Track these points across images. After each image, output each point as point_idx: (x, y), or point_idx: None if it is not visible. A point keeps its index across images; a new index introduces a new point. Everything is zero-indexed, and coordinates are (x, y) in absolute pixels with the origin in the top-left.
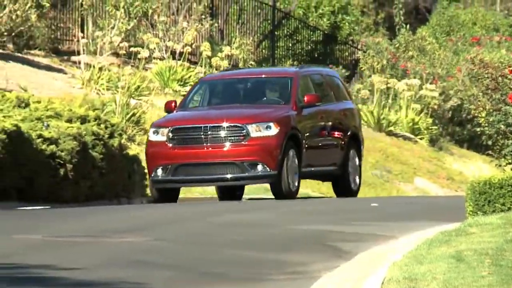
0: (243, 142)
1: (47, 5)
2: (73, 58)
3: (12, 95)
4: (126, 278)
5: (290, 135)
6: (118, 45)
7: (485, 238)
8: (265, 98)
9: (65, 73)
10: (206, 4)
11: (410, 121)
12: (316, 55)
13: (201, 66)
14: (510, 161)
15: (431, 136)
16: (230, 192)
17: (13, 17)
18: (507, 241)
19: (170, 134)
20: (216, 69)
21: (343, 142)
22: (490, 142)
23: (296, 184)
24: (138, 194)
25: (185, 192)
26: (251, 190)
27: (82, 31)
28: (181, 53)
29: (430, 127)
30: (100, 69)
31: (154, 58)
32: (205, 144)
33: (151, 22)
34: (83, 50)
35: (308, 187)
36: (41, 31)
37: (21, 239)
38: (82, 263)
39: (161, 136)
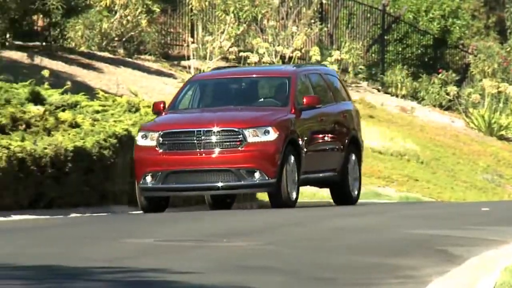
0: (239, 148)
1: (158, 10)
2: (183, 63)
3: (123, 99)
4: (237, 283)
5: (289, 140)
6: (228, 49)
7: None
8: (261, 100)
9: (175, 78)
10: (315, 8)
11: None
12: (426, 60)
13: None
14: None
15: None
16: (223, 200)
17: (124, 22)
18: None
19: (161, 139)
20: None
21: (343, 146)
22: None
23: (295, 192)
24: (247, 199)
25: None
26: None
27: (192, 36)
28: (290, 58)
29: None
30: None
31: (264, 62)
32: (198, 150)
33: (261, 26)
34: (193, 55)
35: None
36: (152, 36)
37: (133, 243)
38: (193, 267)
39: (150, 140)
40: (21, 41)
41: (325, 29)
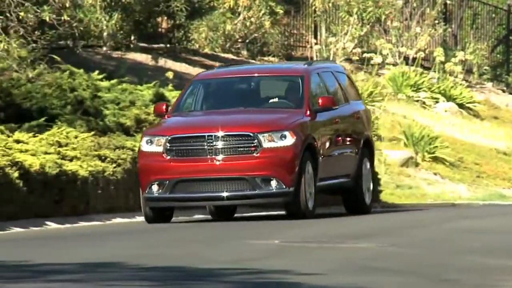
0: (254, 154)
1: (281, 12)
2: None
3: None
4: (361, 284)
5: (306, 145)
6: (351, 51)
7: None
8: (271, 101)
9: None
10: (439, 9)
11: None
12: None
13: (434, 72)
14: None
15: None
16: (228, 208)
17: (247, 24)
18: None
19: (168, 144)
20: (450, 75)
21: (357, 150)
22: None
23: (313, 201)
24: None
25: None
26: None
27: (315, 37)
28: (414, 59)
29: None
30: None
31: (387, 63)
32: (209, 156)
33: (384, 27)
34: (316, 56)
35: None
36: (275, 37)
37: (258, 244)
38: (318, 269)
39: (156, 146)
40: (146, 43)
41: (449, 29)
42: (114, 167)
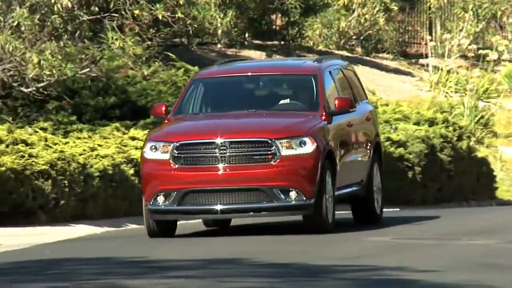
0: (272, 162)
1: (395, 8)
2: (421, 61)
3: None
4: (479, 281)
5: (327, 153)
6: (467, 47)
7: None
8: (282, 102)
9: (413, 76)
10: None
11: None
12: None
13: None
14: None
15: None
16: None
17: (362, 21)
18: None
19: (176, 151)
20: None
21: (368, 155)
22: None
23: (332, 213)
24: (486, 197)
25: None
26: None
27: (430, 34)
28: None
29: None
30: (448, 71)
31: (503, 60)
32: (222, 165)
33: (500, 24)
34: (431, 53)
35: None
36: (389, 34)
37: (370, 242)
38: (433, 265)
39: (162, 153)
40: (260, 40)
41: None
42: None
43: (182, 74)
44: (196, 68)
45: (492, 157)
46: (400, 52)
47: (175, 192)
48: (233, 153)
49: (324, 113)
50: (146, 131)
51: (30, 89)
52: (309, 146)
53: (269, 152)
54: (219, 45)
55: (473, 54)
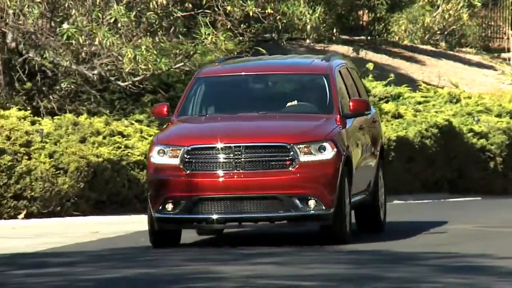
0: (290, 169)
1: (479, 4)
2: (503, 55)
3: (444, 91)
4: None
5: (345, 159)
6: None
7: None
8: (290, 104)
9: (495, 70)
10: None
11: None
12: None
13: None
14: None
15: None
16: None
17: (446, 16)
18: None
19: (186, 156)
20: None
21: (375, 160)
22: None
23: (349, 222)
24: None
25: None
26: None
27: None
28: None
29: None
30: None
31: None
32: (236, 171)
33: None
34: None
35: None
36: (472, 29)
37: (454, 229)
38: None
39: (171, 158)
40: (347, 35)
41: None
42: None
43: None
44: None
45: None
46: (482, 47)
47: (186, 199)
48: (249, 159)
49: (339, 116)
50: None
51: (126, 83)
52: (329, 152)
53: (287, 158)
54: (307, 40)
55: None
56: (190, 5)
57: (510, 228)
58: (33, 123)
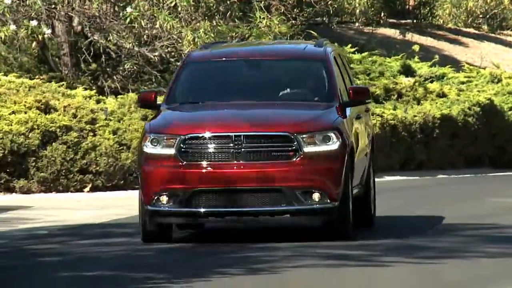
0: (293, 160)
1: None
2: None
3: (486, 71)
4: None
5: (349, 150)
6: None
7: None
8: (283, 92)
9: None
10: None
11: None
12: None
13: None
14: None
15: None
16: None
17: (488, 0)
18: None
19: (183, 146)
20: None
21: (368, 151)
22: None
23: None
24: None
25: None
26: None
27: None
28: None
29: None
30: None
31: None
32: (235, 162)
33: None
34: None
35: None
36: None
37: (493, 202)
38: None
39: (166, 147)
40: (394, 19)
41: None
42: None
43: None
44: (335, 44)
45: None
46: None
47: (182, 192)
48: (249, 149)
49: (339, 105)
50: None
51: None
52: (334, 142)
53: (290, 149)
54: (356, 24)
55: None
56: None
57: None
58: (98, 101)
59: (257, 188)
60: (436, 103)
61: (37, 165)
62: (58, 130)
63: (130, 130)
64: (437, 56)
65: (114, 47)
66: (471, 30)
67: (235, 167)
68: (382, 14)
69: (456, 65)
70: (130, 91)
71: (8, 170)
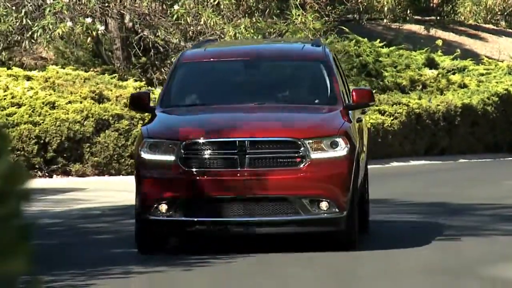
0: (300, 167)
1: None
2: None
3: (504, 64)
4: None
5: (356, 155)
6: None
7: None
8: (286, 94)
9: None
10: None
11: None
12: None
13: None
14: None
15: None
16: None
17: None
18: None
19: (184, 152)
20: None
21: (365, 155)
22: None
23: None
24: None
25: None
26: None
27: None
28: None
29: None
30: None
31: None
32: (239, 169)
33: None
34: None
35: None
36: None
37: (510, 185)
38: None
39: (165, 153)
40: (419, 15)
41: None
42: (392, 120)
43: (354, 45)
44: (365, 39)
45: None
46: None
47: (183, 200)
48: (254, 155)
49: (343, 108)
50: None
51: None
52: (342, 148)
53: (297, 155)
54: (385, 20)
55: None
56: None
57: None
58: None
59: (262, 196)
60: (458, 93)
61: (91, 150)
62: (110, 118)
63: None
64: (458, 50)
65: (162, 42)
66: (490, 26)
67: (238, 174)
68: (408, 11)
69: (476, 58)
70: None
71: (65, 155)
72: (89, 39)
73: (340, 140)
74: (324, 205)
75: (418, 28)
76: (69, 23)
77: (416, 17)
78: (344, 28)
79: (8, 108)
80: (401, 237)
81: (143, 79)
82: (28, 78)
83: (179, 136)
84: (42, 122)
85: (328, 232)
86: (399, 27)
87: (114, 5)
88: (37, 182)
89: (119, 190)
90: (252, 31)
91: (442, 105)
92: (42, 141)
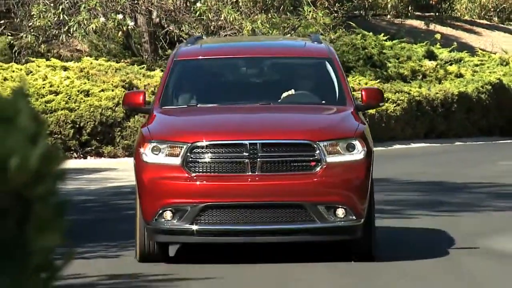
0: (315, 171)
1: None
2: None
3: (496, 56)
4: None
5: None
6: None
7: None
8: (286, 94)
9: None
10: None
11: None
12: None
13: None
14: None
15: None
16: None
17: None
18: None
19: (190, 155)
20: None
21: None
22: None
23: None
24: None
25: None
26: None
27: None
28: None
29: None
30: None
31: None
32: (250, 173)
33: None
34: None
35: None
36: None
37: (503, 165)
38: None
39: (169, 156)
40: (420, 12)
41: None
42: (394, 106)
43: (360, 38)
44: (371, 33)
45: None
46: None
47: (190, 207)
48: (266, 159)
49: (353, 109)
50: None
51: None
52: (359, 151)
53: (312, 158)
54: (388, 16)
55: None
56: None
57: None
58: None
59: (275, 203)
60: (455, 82)
61: (122, 134)
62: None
63: None
64: (455, 43)
65: (186, 36)
66: (484, 22)
67: (249, 179)
68: (410, 8)
69: (471, 50)
70: None
71: (98, 138)
72: (120, 33)
73: (357, 143)
74: (340, 212)
75: (419, 23)
76: (102, 19)
77: (417, 13)
78: (351, 23)
79: (46, 95)
80: (404, 212)
81: None
82: (65, 69)
83: (184, 138)
84: (78, 108)
85: (343, 240)
86: (402, 22)
87: (143, 2)
88: (73, 163)
89: None
90: (267, 25)
91: (440, 93)
92: (77, 126)
